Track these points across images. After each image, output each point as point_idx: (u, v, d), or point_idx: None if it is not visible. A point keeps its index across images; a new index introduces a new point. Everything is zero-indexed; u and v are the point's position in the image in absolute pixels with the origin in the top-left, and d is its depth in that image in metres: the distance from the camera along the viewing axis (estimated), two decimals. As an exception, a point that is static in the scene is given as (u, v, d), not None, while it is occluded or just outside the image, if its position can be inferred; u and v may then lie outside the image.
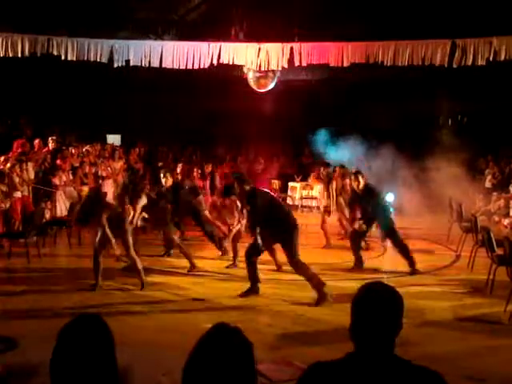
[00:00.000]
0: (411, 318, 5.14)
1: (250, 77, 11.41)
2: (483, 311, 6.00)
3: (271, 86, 11.54)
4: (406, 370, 1.80)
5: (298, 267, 6.17)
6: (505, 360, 4.70)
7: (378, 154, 12.38)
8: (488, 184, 13.43)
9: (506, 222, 11.61)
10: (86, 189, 11.55)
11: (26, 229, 8.36)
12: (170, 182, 8.58)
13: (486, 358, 4.74)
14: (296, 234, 6.18)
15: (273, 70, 11.07)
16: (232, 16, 12.00)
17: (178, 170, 10.76)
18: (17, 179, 9.34)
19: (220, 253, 8.58)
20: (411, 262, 7.51)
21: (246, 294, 6.25)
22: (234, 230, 8.06)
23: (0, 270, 7.47)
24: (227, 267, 7.71)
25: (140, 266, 6.61)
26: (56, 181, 10.46)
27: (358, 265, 7.79)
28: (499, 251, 6.53)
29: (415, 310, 5.60)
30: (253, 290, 6.30)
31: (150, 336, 5.08)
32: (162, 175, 8.69)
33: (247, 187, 6.34)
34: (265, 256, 6.81)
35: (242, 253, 7.41)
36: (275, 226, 6.18)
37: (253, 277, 6.30)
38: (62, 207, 10.43)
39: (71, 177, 11.17)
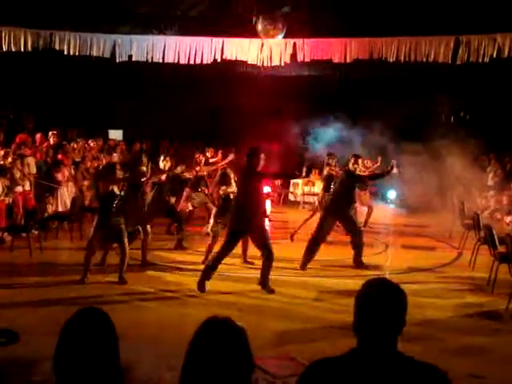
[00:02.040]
0: (412, 314, 5.10)
1: (259, 28, 11.20)
2: (485, 309, 6.00)
3: (280, 37, 11.25)
4: (408, 367, 1.79)
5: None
6: (506, 357, 4.70)
7: (380, 150, 12.34)
8: (490, 182, 13.39)
9: (508, 219, 11.58)
10: (87, 184, 11.56)
11: (28, 223, 8.37)
12: (168, 165, 8.66)
13: (487, 356, 4.74)
14: None
15: (282, 22, 10.82)
16: (234, 11, 11.96)
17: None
18: (18, 174, 9.33)
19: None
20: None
21: None
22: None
23: (2, 264, 7.48)
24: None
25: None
26: (59, 176, 10.46)
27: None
28: (501, 249, 6.52)
29: (416, 306, 5.59)
30: None
31: (152, 331, 5.10)
32: (161, 158, 8.75)
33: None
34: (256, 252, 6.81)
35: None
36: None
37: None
38: (64, 202, 10.43)
39: (73, 172, 11.17)
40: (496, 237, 6.66)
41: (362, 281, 1.95)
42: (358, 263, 7.63)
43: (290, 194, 14.88)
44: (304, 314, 5.71)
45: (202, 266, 7.51)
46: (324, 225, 7.72)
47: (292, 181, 15.05)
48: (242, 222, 6.34)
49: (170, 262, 7.76)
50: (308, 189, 14.37)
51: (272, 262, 6.36)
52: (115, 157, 12.49)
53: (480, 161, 14.28)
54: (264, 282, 6.35)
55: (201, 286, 6.33)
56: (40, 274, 6.99)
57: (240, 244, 7.11)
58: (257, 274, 6.56)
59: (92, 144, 13.09)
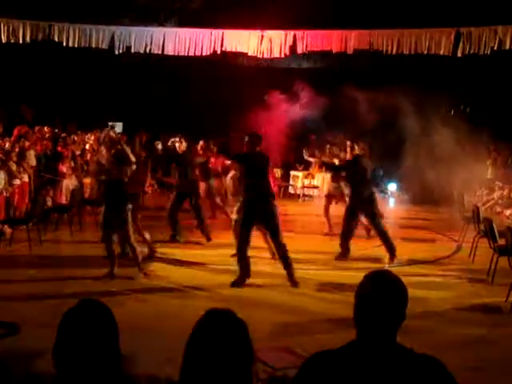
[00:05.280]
0: (412, 306, 5.09)
1: None
2: (484, 301, 6.01)
3: None
4: (408, 358, 1.79)
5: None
6: (505, 350, 4.72)
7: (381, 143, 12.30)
8: (490, 175, 13.39)
9: (508, 212, 11.59)
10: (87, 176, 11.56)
11: (28, 216, 8.37)
12: (183, 146, 8.46)
13: (486, 348, 4.75)
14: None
15: None
16: (234, 3, 11.92)
17: (199, 147, 9.95)
18: (13, 166, 9.29)
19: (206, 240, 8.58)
20: (392, 251, 7.49)
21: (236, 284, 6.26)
22: (234, 217, 7.90)
23: (2, 257, 7.48)
24: (233, 256, 7.65)
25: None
26: (64, 168, 10.45)
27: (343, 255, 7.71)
28: (501, 241, 6.52)
29: (416, 299, 5.57)
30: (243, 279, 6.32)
31: (152, 323, 5.11)
32: (177, 139, 8.59)
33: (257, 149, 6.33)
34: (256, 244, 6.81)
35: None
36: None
37: (245, 266, 6.31)
38: (64, 194, 10.43)
39: (73, 164, 11.17)
40: (496, 230, 6.66)
41: (361, 273, 1.95)
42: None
43: (289, 187, 14.87)
44: (304, 306, 5.72)
45: (201, 258, 7.55)
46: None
47: (292, 173, 15.04)
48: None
49: (167, 255, 7.75)
50: (308, 182, 14.36)
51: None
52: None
53: (480, 153, 14.25)
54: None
55: None
56: (39, 266, 6.99)
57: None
58: (257, 266, 6.58)
59: (92, 137, 13.09)
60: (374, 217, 7.63)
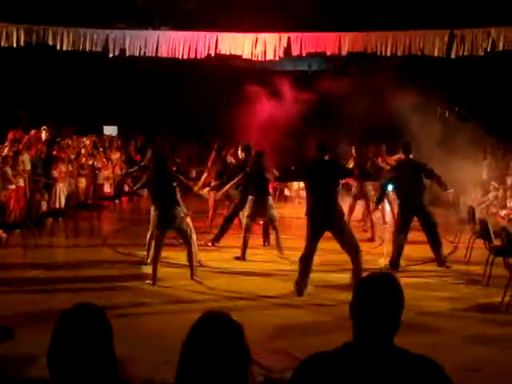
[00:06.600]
0: (408, 308, 5.09)
1: None
2: (480, 301, 6.02)
3: None
4: (405, 359, 1.79)
5: None
6: (501, 350, 4.72)
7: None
8: (485, 176, 13.42)
9: (503, 213, 11.63)
10: (82, 180, 11.53)
11: (23, 220, 8.33)
12: (242, 156, 8.45)
13: (482, 349, 4.76)
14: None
15: None
16: (229, 6, 11.93)
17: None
18: (9, 171, 9.24)
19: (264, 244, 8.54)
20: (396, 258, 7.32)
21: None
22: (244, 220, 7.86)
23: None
24: (236, 258, 7.64)
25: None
26: (55, 173, 10.40)
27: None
28: (496, 242, 6.54)
29: (412, 299, 5.59)
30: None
31: (147, 324, 5.09)
32: (240, 149, 8.55)
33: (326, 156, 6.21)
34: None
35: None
36: None
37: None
38: (59, 199, 10.39)
39: (70, 168, 11.13)
40: (491, 230, 6.67)
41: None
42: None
43: (285, 189, 14.86)
44: (301, 308, 5.72)
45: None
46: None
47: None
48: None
49: (167, 259, 7.71)
50: (303, 184, 14.32)
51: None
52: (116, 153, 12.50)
53: (475, 154, 14.28)
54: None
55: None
56: (34, 271, 6.95)
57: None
58: (257, 268, 6.56)
59: (87, 141, 13.07)
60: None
